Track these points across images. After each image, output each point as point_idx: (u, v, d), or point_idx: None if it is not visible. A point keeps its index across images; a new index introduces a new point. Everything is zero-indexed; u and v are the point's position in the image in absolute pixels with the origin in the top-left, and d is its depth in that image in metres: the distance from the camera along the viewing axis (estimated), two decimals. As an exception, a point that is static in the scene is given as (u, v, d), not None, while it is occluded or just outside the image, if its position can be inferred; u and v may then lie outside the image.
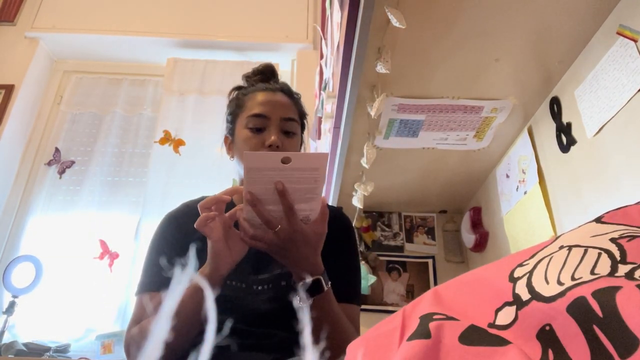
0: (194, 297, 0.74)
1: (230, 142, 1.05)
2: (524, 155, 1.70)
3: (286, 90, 1.07)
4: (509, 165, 1.83)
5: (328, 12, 1.73)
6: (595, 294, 0.33)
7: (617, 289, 0.32)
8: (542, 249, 0.44)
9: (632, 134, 1.17)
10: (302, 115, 1.10)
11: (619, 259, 0.37)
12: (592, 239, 0.41)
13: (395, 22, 1.09)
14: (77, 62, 2.91)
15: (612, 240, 0.40)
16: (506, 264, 0.44)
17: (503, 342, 0.35)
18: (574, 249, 0.40)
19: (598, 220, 0.46)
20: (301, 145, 1.12)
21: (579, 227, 0.46)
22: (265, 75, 1.11)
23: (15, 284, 2.10)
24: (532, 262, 0.42)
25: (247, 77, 1.12)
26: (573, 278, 0.36)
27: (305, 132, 1.13)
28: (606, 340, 0.31)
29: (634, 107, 1.15)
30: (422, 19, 1.21)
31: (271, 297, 0.87)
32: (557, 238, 0.45)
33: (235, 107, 1.05)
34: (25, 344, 1.98)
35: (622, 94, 1.18)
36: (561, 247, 0.42)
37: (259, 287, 0.88)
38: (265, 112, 0.98)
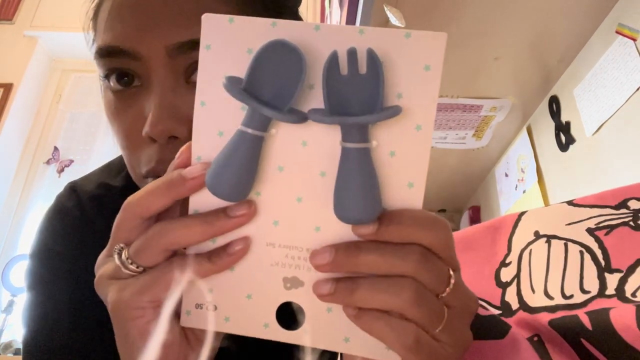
0: None
1: None
2: (523, 154, 1.70)
3: None
4: (508, 164, 1.83)
5: (327, 10, 1.73)
6: (590, 314, 0.33)
7: (610, 309, 0.32)
8: (513, 232, 0.43)
9: (632, 133, 1.16)
10: None
11: (603, 263, 0.37)
12: (568, 229, 0.41)
13: (394, 20, 1.09)
14: (76, 61, 2.90)
15: (590, 231, 0.40)
16: (485, 258, 0.44)
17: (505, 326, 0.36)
18: (553, 243, 0.40)
19: (569, 203, 0.45)
20: None
21: (548, 207, 0.46)
22: None
23: (14, 283, 2.10)
24: (514, 258, 0.42)
25: None
26: (564, 295, 0.36)
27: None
28: (596, 352, 0.31)
29: (633, 105, 1.15)
30: (421, 18, 1.21)
31: None
32: (522, 214, 0.45)
33: None
34: (24, 343, 1.98)
35: (621, 93, 1.18)
36: (537, 236, 0.42)
37: None
38: None
